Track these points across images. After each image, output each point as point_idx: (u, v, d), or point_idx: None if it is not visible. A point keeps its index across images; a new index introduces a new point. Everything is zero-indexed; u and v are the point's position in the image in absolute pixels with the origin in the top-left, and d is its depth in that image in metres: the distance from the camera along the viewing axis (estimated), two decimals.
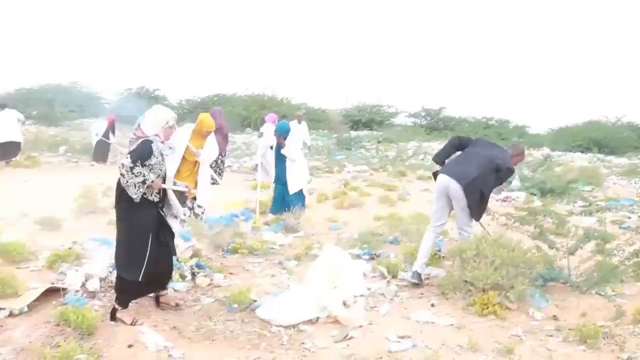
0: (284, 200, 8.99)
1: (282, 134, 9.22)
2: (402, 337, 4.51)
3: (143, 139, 4.62)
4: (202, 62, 66.94)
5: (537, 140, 32.74)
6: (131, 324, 4.41)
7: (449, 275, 5.61)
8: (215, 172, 6.68)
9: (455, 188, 5.71)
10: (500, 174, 5.91)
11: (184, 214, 5.20)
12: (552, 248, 5.96)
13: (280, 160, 9.20)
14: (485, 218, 6.83)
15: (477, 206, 5.82)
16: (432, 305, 5.34)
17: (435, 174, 6.10)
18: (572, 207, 7.15)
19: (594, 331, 4.45)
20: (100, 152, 17.04)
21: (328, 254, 5.58)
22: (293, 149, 9.17)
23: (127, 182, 4.43)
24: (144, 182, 4.48)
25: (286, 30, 77.81)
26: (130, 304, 4.64)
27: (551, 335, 4.66)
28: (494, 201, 12.18)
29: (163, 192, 4.80)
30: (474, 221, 5.96)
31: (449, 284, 5.46)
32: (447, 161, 6.24)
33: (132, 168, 4.43)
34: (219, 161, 7.51)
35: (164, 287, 4.94)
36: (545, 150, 25.79)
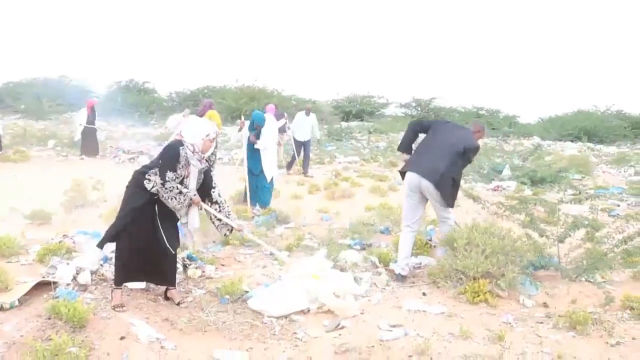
0: (258, 190, 9.24)
1: (259, 124, 9.18)
2: (394, 326, 4.53)
3: (169, 143, 4.66)
4: (191, 54, 66.70)
5: (527, 130, 32.91)
6: (113, 306, 4.51)
7: (439, 264, 5.64)
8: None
9: (427, 185, 5.71)
10: (467, 155, 5.90)
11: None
12: (542, 236, 5.99)
13: (253, 152, 9.26)
14: (475, 207, 6.88)
15: (450, 195, 5.83)
16: (424, 294, 5.37)
17: (402, 173, 6.02)
18: (562, 195, 7.16)
19: (583, 317, 4.51)
20: (88, 143, 16.72)
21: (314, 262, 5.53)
22: (268, 138, 9.27)
23: (165, 197, 4.59)
24: (180, 193, 4.60)
25: (276, 22, 77.51)
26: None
27: (541, 322, 4.70)
28: (485, 190, 12.24)
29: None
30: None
31: (440, 272, 5.48)
32: (412, 153, 6.16)
33: (163, 184, 4.55)
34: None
35: (165, 282, 4.92)
36: (536, 140, 25.87)
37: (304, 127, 14.31)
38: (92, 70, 67.72)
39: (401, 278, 5.75)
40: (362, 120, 34.32)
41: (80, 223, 7.20)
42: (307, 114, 14.52)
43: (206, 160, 4.81)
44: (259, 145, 9.14)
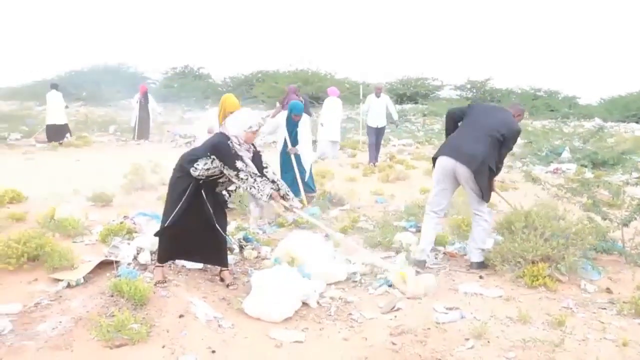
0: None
1: (297, 114, 7.91)
2: (450, 309, 4.47)
3: (214, 139, 4.74)
4: (244, 39, 67.20)
5: (588, 111, 31.75)
6: (156, 283, 4.60)
7: (497, 247, 5.51)
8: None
9: (464, 172, 5.31)
10: (508, 141, 5.43)
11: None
12: (605, 219, 5.78)
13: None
14: (534, 189, 6.68)
15: (487, 187, 5.40)
16: (480, 277, 5.28)
17: (434, 159, 5.61)
18: (627, 177, 6.89)
19: None
20: (140, 127, 17.30)
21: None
22: (305, 130, 8.19)
23: (244, 187, 4.68)
24: (255, 181, 4.63)
25: (329, 5, 77.11)
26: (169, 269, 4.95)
27: (604, 308, 4.55)
28: (543, 173, 11.91)
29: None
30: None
31: (498, 256, 5.36)
32: (448, 137, 5.72)
33: (237, 175, 4.60)
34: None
35: (215, 262, 5.03)
36: (597, 121, 24.93)
37: (377, 110, 12.83)
38: (149, 57, 69.14)
39: (421, 263, 5.49)
40: (416, 103, 33.86)
41: (139, 205, 7.42)
42: (378, 95, 12.99)
43: (253, 145, 4.86)
44: (299, 149, 7.97)
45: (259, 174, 4.72)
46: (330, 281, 5.05)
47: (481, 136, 5.34)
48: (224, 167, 4.62)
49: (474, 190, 5.40)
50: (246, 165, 4.65)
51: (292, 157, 7.86)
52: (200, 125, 6.74)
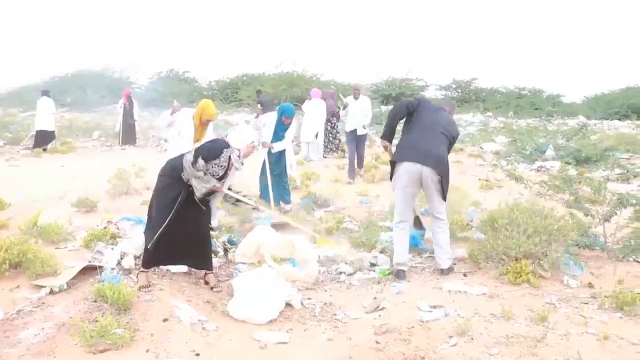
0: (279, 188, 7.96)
1: (289, 116, 7.76)
2: (434, 307, 4.50)
3: (217, 139, 4.95)
4: (228, 43, 67.09)
5: (571, 109, 32.09)
6: (140, 287, 4.57)
7: (481, 245, 5.55)
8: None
9: (429, 174, 5.16)
10: (454, 142, 5.49)
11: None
12: (587, 215, 5.84)
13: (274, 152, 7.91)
14: (517, 187, 6.72)
15: (447, 184, 5.33)
16: (464, 275, 5.31)
17: (393, 162, 5.37)
18: (608, 174, 6.97)
19: (631, 298, 4.38)
20: (125, 132, 17.18)
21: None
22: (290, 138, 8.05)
23: (189, 176, 4.65)
24: (205, 175, 4.67)
25: (313, 7, 77.21)
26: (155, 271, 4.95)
27: (586, 303, 4.59)
28: (528, 171, 12.00)
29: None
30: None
31: (481, 253, 5.40)
32: (402, 139, 5.45)
33: (193, 163, 4.62)
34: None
35: (201, 266, 5.03)
36: (581, 119, 25.16)
37: (355, 114, 10.97)
38: (134, 62, 68.80)
39: (401, 273, 5.31)
40: None
41: (124, 210, 7.38)
42: (357, 96, 11.09)
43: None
44: (281, 146, 7.81)
45: (213, 179, 4.75)
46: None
47: (440, 136, 5.30)
48: (192, 151, 4.73)
49: (438, 192, 5.26)
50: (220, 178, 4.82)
51: (267, 160, 7.72)
52: (174, 127, 6.62)
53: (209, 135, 6.48)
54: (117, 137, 17.58)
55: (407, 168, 5.22)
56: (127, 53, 57.38)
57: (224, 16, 74.89)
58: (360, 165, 11.18)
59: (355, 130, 10.87)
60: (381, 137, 5.66)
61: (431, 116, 5.38)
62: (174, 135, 6.57)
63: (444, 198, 5.35)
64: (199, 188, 4.64)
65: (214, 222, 5.63)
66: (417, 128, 5.35)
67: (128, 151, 16.03)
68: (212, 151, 4.78)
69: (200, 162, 4.63)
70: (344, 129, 11.39)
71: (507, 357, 3.63)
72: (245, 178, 7.14)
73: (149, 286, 4.64)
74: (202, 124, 6.40)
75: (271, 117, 7.91)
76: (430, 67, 66.63)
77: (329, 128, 14.25)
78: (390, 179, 5.46)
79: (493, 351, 3.72)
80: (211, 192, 4.77)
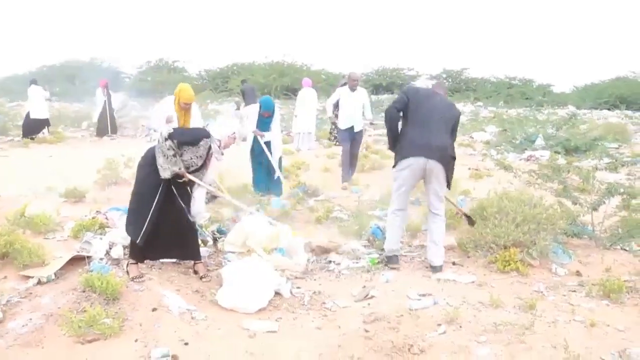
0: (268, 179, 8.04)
1: (267, 110, 7.82)
2: (423, 295, 4.52)
3: (199, 128, 5.02)
4: (219, 32, 66.73)
5: (561, 99, 32.25)
6: (132, 278, 4.55)
7: (470, 233, 5.57)
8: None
9: (433, 166, 5.09)
10: (456, 127, 5.39)
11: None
12: (575, 204, 5.87)
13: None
14: (507, 177, 6.74)
15: (452, 173, 5.30)
16: (454, 263, 5.34)
17: (397, 157, 5.30)
18: (597, 163, 7.01)
19: (617, 285, 4.42)
20: (103, 124, 16.79)
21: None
22: (276, 129, 8.12)
23: (157, 151, 4.62)
24: (173, 156, 4.62)
25: None
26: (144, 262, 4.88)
27: (574, 291, 4.63)
28: (518, 160, 12.04)
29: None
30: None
31: (470, 242, 5.42)
32: (404, 135, 5.30)
33: (165, 139, 4.60)
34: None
35: (189, 257, 5.01)
36: (570, 109, 25.28)
37: (352, 108, 9.43)
38: (123, 51, 68.29)
39: (394, 259, 5.34)
40: (392, 93, 33.94)
41: (113, 200, 7.33)
42: (354, 88, 9.52)
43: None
44: (269, 136, 7.86)
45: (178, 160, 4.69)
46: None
47: (440, 125, 5.17)
48: (170, 129, 4.73)
49: (441, 184, 5.20)
50: (199, 169, 4.83)
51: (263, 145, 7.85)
52: (157, 116, 6.60)
53: (196, 120, 6.55)
54: (95, 127, 17.27)
55: (411, 162, 5.16)
56: (116, 43, 56.93)
57: (214, 5, 74.39)
58: (353, 165, 9.74)
59: (352, 127, 9.44)
60: (389, 149, 5.62)
61: (425, 105, 5.23)
62: (160, 124, 6.55)
63: (448, 185, 5.29)
64: (164, 167, 4.59)
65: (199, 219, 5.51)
66: (415, 121, 5.22)
67: (117, 141, 15.92)
68: (185, 135, 4.84)
69: (169, 142, 4.59)
70: (338, 125, 9.90)
71: (495, 345, 3.65)
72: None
73: (142, 277, 4.62)
74: (182, 109, 6.43)
75: (253, 110, 7.96)
76: (420, 57, 66.68)
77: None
78: (393, 167, 5.41)
79: (481, 339, 3.74)
80: (179, 177, 4.72)
